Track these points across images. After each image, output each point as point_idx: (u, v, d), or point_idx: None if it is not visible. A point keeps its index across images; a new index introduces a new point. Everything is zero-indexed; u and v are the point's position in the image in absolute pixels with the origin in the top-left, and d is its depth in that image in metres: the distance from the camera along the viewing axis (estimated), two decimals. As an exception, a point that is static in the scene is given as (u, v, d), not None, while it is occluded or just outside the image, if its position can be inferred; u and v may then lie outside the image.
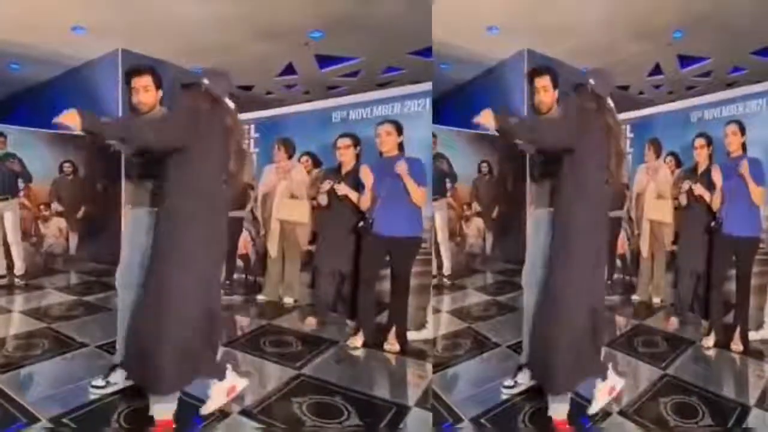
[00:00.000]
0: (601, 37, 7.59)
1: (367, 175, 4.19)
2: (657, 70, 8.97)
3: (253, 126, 6.23)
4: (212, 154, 2.82)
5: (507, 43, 8.04)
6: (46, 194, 7.48)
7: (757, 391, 3.51)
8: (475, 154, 7.81)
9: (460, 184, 7.50)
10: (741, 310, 4.22)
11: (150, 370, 2.77)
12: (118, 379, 3.29)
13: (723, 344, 4.23)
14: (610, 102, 3.00)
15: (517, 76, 8.46)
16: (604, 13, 6.93)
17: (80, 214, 7.71)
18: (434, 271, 6.58)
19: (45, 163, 7.37)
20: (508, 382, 3.46)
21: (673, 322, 4.84)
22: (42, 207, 7.48)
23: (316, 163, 5.57)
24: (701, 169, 4.62)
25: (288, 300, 5.47)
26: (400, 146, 4.19)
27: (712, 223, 4.26)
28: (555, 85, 3.39)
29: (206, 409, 2.97)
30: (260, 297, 5.60)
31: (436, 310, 5.46)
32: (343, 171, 4.59)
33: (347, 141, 4.61)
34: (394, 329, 4.15)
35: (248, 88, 9.37)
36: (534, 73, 3.44)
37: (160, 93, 3.32)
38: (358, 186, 4.34)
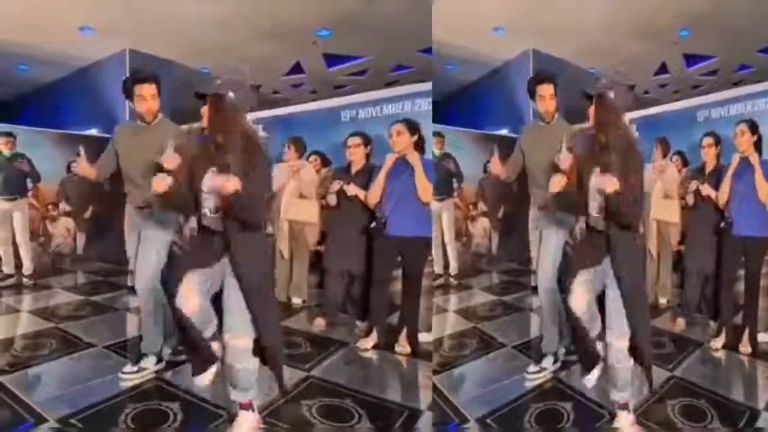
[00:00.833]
0: (607, 37, 7.58)
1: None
2: (663, 69, 8.95)
3: (261, 125, 6.24)
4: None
5: (512, 43, 8.03)
6: (54, 194, 7.51)
7: (767, 395, 3.50)
8: (481, 154, 7.79)
9: (466, 184, 7.49)
10: (750, 312, 4.18)
11: None
12: (149, 364, 3.51)
13: (731, 346, 4.20)
14: (626, 119, 2.93)
15: (523, 77, 8.42)
16: (609, 13, 6.91)
17: (88, 214, 7.73)
18: (440, 271, 6.59)
19: (53, 163, 7.39)
20: (533, 368, 3.66)
21: (680, 323, 4.81)
22: (50, 207, 7.50)
23: (325, 162, 5.56)
24: (709, 168, 4.58)
25: (296, 300, 5.47)
26: (416, 145, 4.12)
27: (722, 224, 4.23)
28: (557, 91, 3.57)
29: None
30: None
31: (443, 310, 5.47)
32: (353, 170, 4.51)
33: (357, 140, 4.54)
34: (405, 331, 4.12)
35: (255, 87, 9.38)
36: (537, 82, 3.56)
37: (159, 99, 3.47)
38: (368, 185, 4.29)
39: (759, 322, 4.24)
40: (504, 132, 8.22)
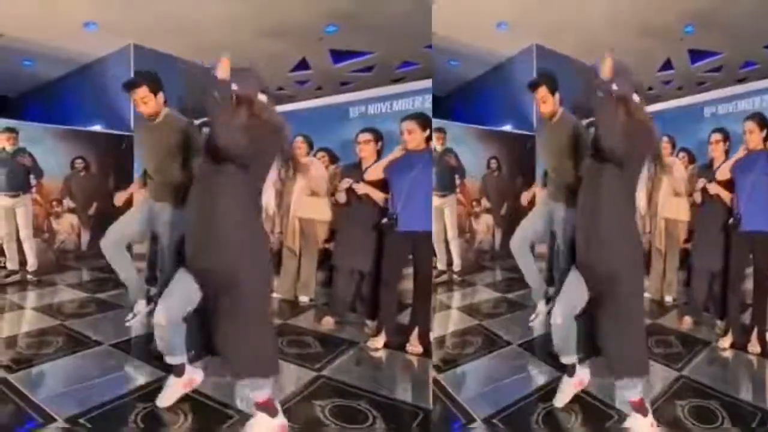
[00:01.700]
0: (611, 33, 7.53)
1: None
2: (667, 65, 8.91)
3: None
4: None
5: (515, 39, 7.99)
6: (58, 190, 7.47)
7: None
8: (484, 150, 7.77)
9: (469, 180, 7.47)
10: (758, 310, 4.17)
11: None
12: (141, 307, 4.24)
13: (740, 345, 4.19)
14: (636, 98, 2.97)
15: (526, 73, 8.41)
16: (613, 8, 6.88)
17: (92, 210, 7.69)
18: (443, 268, 6.58)
19: (57, 160, 7.35)
20: (532, 316, 4.44)
21: (687, 322, 4.80)
22: (54, 203, 7.47)
23: (333, 159, 5.53)
24: (717, 165, 4.55)
25: (303, 298, 5.44)
26: (427, 140, 4.10)
27: (730, 220, 4.21)
28: (554, 90, 3.75)
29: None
30: (274, 295, 5.58)
31: (446, 307, 5.46)
32: (363, 167, 4.46)
33: (368, 136, 4.49)
34: (416, 330, 4.09)
35: (259, 83, 9.36)
36: (531, 87, 3.80)
37: (161, 96, 3.67)
38: (379, 183, 4.28)
39: None
40: (507, 128, 8.19)
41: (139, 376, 3.55)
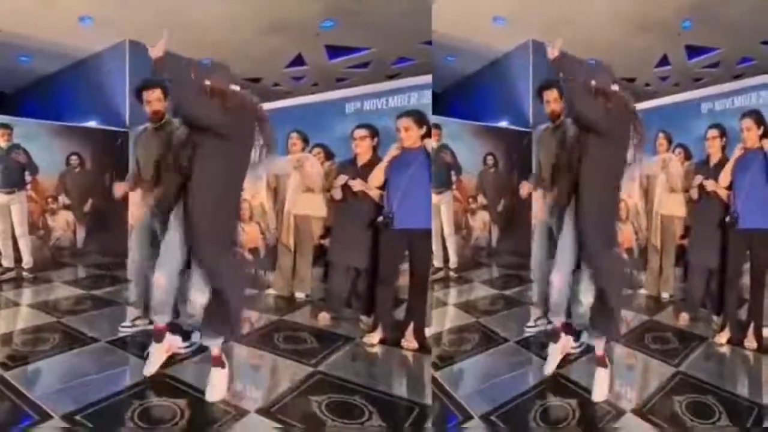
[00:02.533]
0: (608, 28, 7.54)
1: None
2: (664, 61, 8.91)
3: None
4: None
5: (512, 34, 7.99)
6: (53, 187, 7.45)
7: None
8: (481, 147, 7.76)
9: (466, 177, 7.46)
10: (755, 306, 4.18)
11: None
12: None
13: (736, 341, 4.19)
14: (616, 87, 3.27)
15: (523, 68, 8.41)
16: (610, 3, 6.88)
17: (88, 207, 7.68)
18: (440, 265, 6.58)
19: (52, 156, 7.33)
20: (530, 323, 4.45)
21: (684, 318, 4.80)
22: (49, 200, 7.45)
23: (329, 155, 5.52)
24: (714, 161, 4.55)
25: (299, 295, 5.44)
26: (423, 137, 4.09)
27: (727, 218, 4.20)
28: (561, 95, 3.85)
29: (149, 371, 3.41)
30: (270, 291, 5.58)
31: (443, 304, 5.46)
32: (359, 163, 4.44)
33: (363, 132, 4.46)
34: (411, 326, 4.09)
35: (256, 80, 9.33)
36: (542, 88, 4.00)
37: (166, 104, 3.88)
38: None
39: (764, 316, 4.23)
40: (503, 124, 8.19)
41: (135, 372, 3.53)
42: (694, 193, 4.65)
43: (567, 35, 8.02)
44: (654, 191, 5.65)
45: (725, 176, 4.27)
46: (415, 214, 3.97)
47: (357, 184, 4.31)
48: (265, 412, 3.07)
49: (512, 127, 7.98)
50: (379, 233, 4.13)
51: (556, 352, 3.66)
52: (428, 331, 4.25)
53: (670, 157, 5.46)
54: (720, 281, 4.44)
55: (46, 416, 2.93)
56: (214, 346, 3.25)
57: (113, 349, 3.94)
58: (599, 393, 3.31)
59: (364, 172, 4.32)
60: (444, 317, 4.99)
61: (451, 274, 6.61)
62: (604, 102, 3.19)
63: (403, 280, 4.28)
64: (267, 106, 6.23)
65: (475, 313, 5.13)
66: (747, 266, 4.28)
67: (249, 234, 6.08)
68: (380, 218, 4.03)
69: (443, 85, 9.15)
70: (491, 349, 4.18)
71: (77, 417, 2.93)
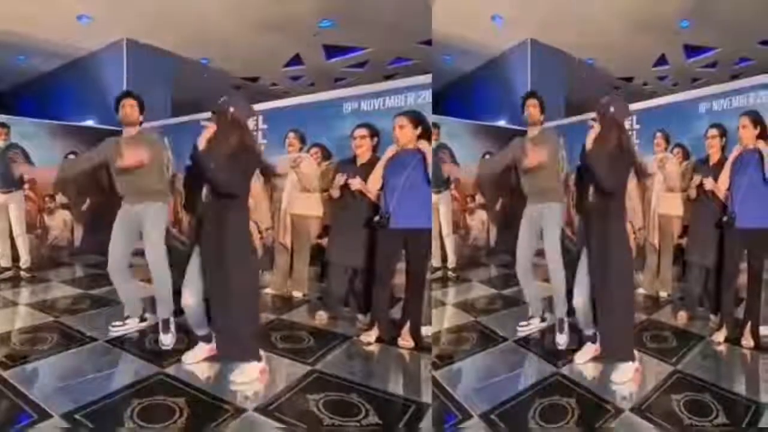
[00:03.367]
0: (606, 27, 7.55)
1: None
2: (662, 60, 8.94)
3: (261, 117, 6.21)
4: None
5: (510, 33, 8.01)
6: (50, 186, 7.43)
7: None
8: (479, 146, 7.77)
9: (464, 175, 7.45)
10: (752, 305, 4.18)
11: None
12: (133, 323, 4.26)
13: (733, 340, 4.19)
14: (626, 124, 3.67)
15: (521, 67, 8.43)
16: (609, 3, 6.89)
17: (85, 206, 7.65)
18: (438, 264, 6.57)
19: (49, 155, 7.32)
20: (523, 322, 4.46)
21: (682, 317, 4.81)
22: (47, 199, 7.45)
23: (326, 154, 5.52)
24: (713, 160, 4.55)
25: (297, 294, 5.45)
26: (421, 137, 4.09)
27: (724, 218, 4.21)
28: (543, 109, 4.27)
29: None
30: (267, 291, 5.58)
31: (441, 303, 5.46)
32: (359, 163, 4.44)
33: (363, 131, 4.45)
34: (408, 325, 4.09)
35: (254, 79, 9.34)
36: (527, 97, 4.33)
37: (142, 117, 4.13)
38: None
39: (761, 315, 4.23)
40: (501, 123, 8.20)
41: (134, 371, 3.54)
42: (693, 193, 4.65)
43: (565, 35, 8.14)
44: (652, 191, 5.64)
45: (724, 178, 4.27)
46: (411, 213, 3.97)
47: (356, 183, 4.30)
48: (263, 410, 3.07)
49: (510, 126, 7.99)
50: (375, 232, 4.14)
51: (590, 351, 3.85)
52: (427, 330, 4.26)
53: (667, 157, 5.46)
54: (717, 280, 4.44)
55: (45, 415, 2.93)
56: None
57: (111, 348, 3.94)
58: (580, 357, 3.80)
59: (364, 171, 4.31)
60: (443, 317, 4.99)
61: (450, 273, 6.61)
62: (618, 134, 3.51)
63: (401, 279, 4.27)
64: (265, 105, 6.30)
65: (474, 312, 5.13)
66: (744, 265, 4.28)
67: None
68: (376, 218, 4.04)
69: (441, 84, 9.17)
70: (490, 348, 4.18)
71: (76, 416, 2.93)
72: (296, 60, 8.58)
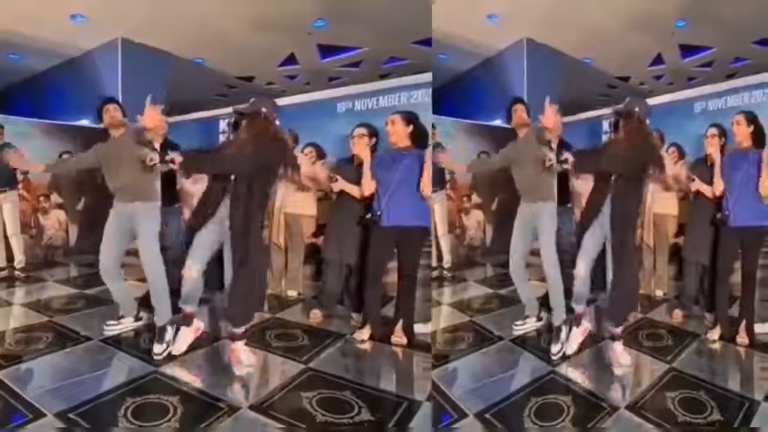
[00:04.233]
0: (602, 27, 7.55)
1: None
2: (658, 60, 8.94)
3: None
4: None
5: (506, 32, 8.00)
6: (45, 186, 7.42)
7: (765, 385, 3.50)
8: (475, 145, 7.76)
9: (459, 175, 7.45)
10: (746, 303, 4.19)
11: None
12: (128, 321, 4.27)
13: (728, 337, 4.19)
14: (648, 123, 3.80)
15: (517, 67, 8.42)
16: (605, 2, 6.89)
17: (80, 206, 7.64)
18: (434, 264, 6.56)
19: (44, 154, 7.22)
20: (519, 321, 4.44)
21: (677, 315, 4.82)
22: (41, 199, 7.42)
23: (320, 154, 5.51)
24: (712, 160, 4.48)
25: (291, 293, 5.43)
26: (412, 137, 4.11)
27: (718, 215, 4.21)
28: (527, 106, 4.39)
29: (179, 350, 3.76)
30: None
31: (437, 303, 5.45)
32: (356, 162, 4.44)
33: (362, 130, 4.43)
34: (400, 323, 4.11)
35: (249, 79, 9.33)
36: (513, 102, 4.46)
37: (125, 119, 4.15)
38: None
39: (755, 312, 4.24)
40: (497, 122, 8.19)
41: (128, 370, 3.54)
42: (692, 187, 4.64)
43: (561, 34, 8.14)
44: (648, 190, 5.64)
45: (717, 182, 4.27)
46: (403, 212, 3.99)
47: (338, 185, 4.38)
48: (257, 408, 3.07)
49: (506, 125, 7.98)
50: (368, 231, 4.15)
51: (578, 335, 3.98)
52: (426, 327, 4.29)
53: (665, 155, 5.45)
54: (712, 278, 4.45)
55: (39, 414, 2.92)
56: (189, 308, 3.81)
57: (106, 348, 3.92)
58: (570, 347, 3.93)
59: (360, 170, 4.30)
60: (438, 316, 4.98)
61: (445, 273, 6.59)
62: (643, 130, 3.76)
63: (393, 278, 4.28)
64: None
65: (470, 312, 5.12)
66: (738, 263, 4.28)
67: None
68: (368, 215, 4.06)
69: (436, 83, 9.16)
70: (485, 347, 4.17)
71: (71, 415, 2.93)
72: (291, 59, 8.58)
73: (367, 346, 4.10)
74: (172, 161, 3.87)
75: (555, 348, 3.93)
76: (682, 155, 5.53)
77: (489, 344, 4.23)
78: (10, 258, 6.30)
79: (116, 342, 4.03)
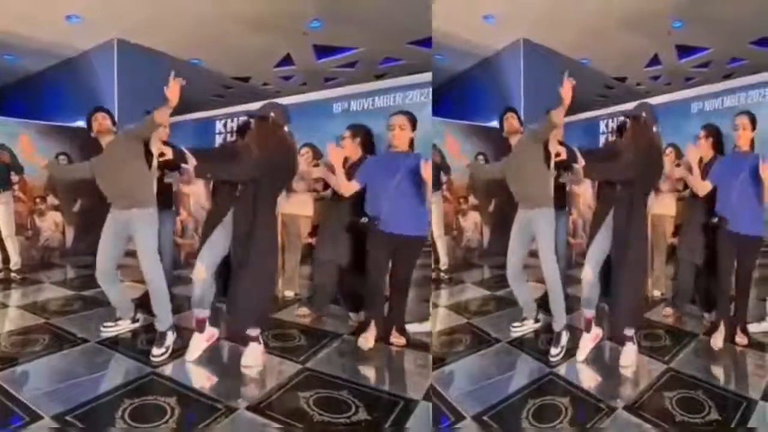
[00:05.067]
0: (599, 27, 7.56)
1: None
2: (655, 60, 8.95)
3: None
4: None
5: (503, 33, 8.00)
6: (41, 188, 7.40)
7: (761, 384, 3.49)
8: (472, 147, 7.76)
9: (456, 177, 7.43)
10: (741, 303, 4.17)
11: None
12: (125, 324, 4.27)
13: (727, 338, 4.18)
14: (655, 128, 3.81)
15: (514, 67, 8.42)
16: (601, 2, 6.89)
17: (76, 207, 7.63)
18: (431, 265, 6.54)
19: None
20: (516, 323, 4.45)
21: (668, 312, 4.82)
22: (38, 200, 7.40)
23: (317, 154, 5.51)
24: (706, 160, 4.47)
25: (288, 293, 5.44)
26: (411, 141, 4.05)
27: (714, 219, 4.17)
28: (518, 115, 4.53)
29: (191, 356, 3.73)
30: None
31: (434, 305, 5.44)
32: (349, 162, 4.40)
33: (347, 132, 4.48)
34: (395, 324, 4.12)
35: (245, 79, 9.31)
36: (505, 111, 4.55)
37: (114, 127, 4.25)
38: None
39: (751, 312, 4.26)
40: (494, 123, 8.18)
41: (125, 372, 3.53)
42: (676, 173, 4.64)
43: (558, 34, 8.14)
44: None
45: (703, 184, 4.24)
46: (404, 221, 3.92)
47: (316, 171, 4.51)
48: (254, 408, 3.07)
49: (504, 126, 7.97)
50: (366, 235, 4.07)
51: (588, 341, 3.94)
52: (424, 327, 4.33)
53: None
54: (707, 277, 4.45)
55: (36, 417, 2.91)
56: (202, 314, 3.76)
57: (103, 350, 3.92)
58: (580, 354, 3.88)
59: (352, 170, 4.23)
60: (435, 318, 4.98)
61: (442, 275, 6.57)
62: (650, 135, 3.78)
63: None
64: (257, 106, 6.25)
65: (467, 314, 5.12)
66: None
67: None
68: (365, 219, 4.02)
69: (433, 84, 9.16)
70: (483, 349, 4.17)
71: (67, 417, 2.92)
72: (287, 60, 8.57)
73: (370, 346, 4.04)
74: (185, 162, 3.75)
75: (554, 350, 3.89)
76: (679, 155, 5.52)
77: (486, 346, 4.22)
78: (5, 260, 6.28)
79: (113, 344, 4.02)
